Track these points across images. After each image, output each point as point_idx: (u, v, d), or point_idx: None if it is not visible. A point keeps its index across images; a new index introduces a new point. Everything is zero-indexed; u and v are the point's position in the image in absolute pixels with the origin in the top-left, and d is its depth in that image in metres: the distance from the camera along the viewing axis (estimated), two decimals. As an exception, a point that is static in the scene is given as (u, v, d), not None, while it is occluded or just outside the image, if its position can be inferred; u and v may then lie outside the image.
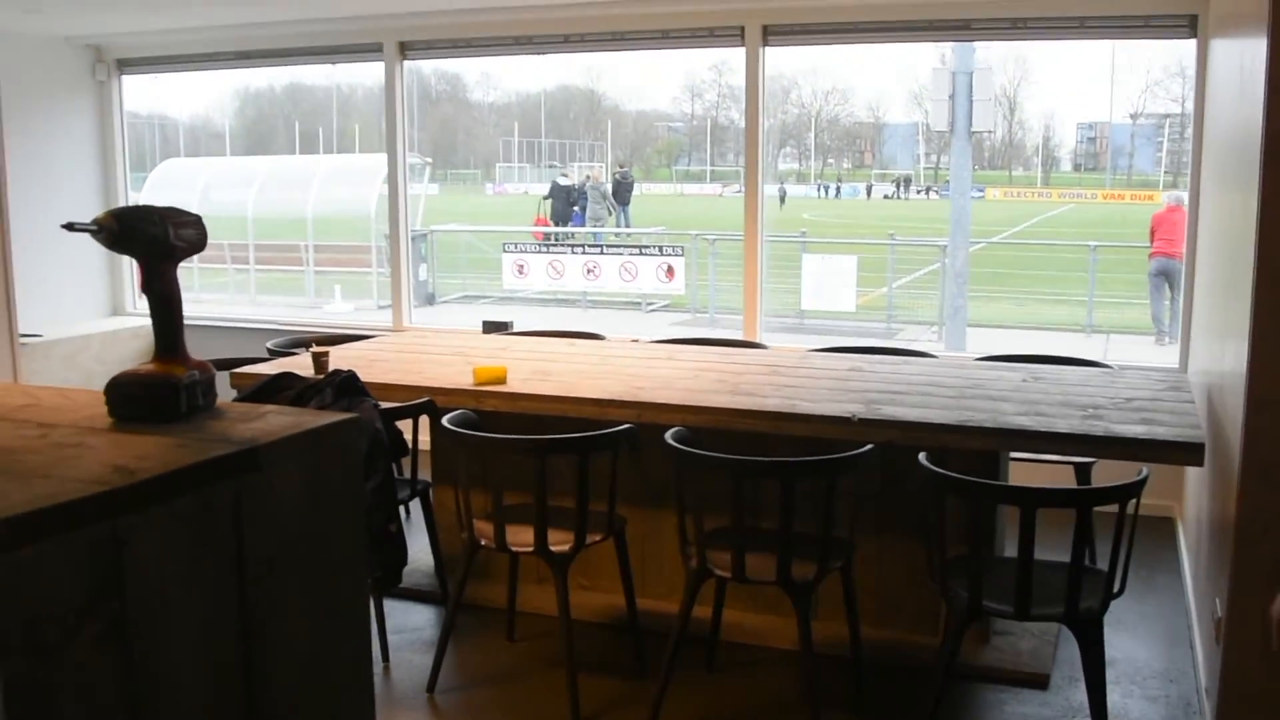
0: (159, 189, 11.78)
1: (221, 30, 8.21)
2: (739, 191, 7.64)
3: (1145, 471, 3.59)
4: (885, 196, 51.06)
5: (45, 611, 1.23)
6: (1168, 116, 52.73)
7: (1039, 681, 4.33)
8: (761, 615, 4.75)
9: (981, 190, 48.93)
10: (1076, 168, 62.11)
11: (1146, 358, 10.67)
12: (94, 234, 1.54)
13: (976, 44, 12.22)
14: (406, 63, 7.95)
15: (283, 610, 1.56)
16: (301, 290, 16.06)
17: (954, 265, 13.30)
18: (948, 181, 17.23)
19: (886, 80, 67.58)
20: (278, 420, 1.63)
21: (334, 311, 12.31)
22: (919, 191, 50.64)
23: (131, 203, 8.32)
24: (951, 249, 13.66)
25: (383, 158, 8.20)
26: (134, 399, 1.62)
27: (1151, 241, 13.20)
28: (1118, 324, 15.66)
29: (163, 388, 1.62)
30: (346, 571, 1.68)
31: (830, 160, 61.67)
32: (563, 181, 27.46)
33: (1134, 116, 57.68)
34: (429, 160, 24.77)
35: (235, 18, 7.85)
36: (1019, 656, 4.50)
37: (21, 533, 1.20)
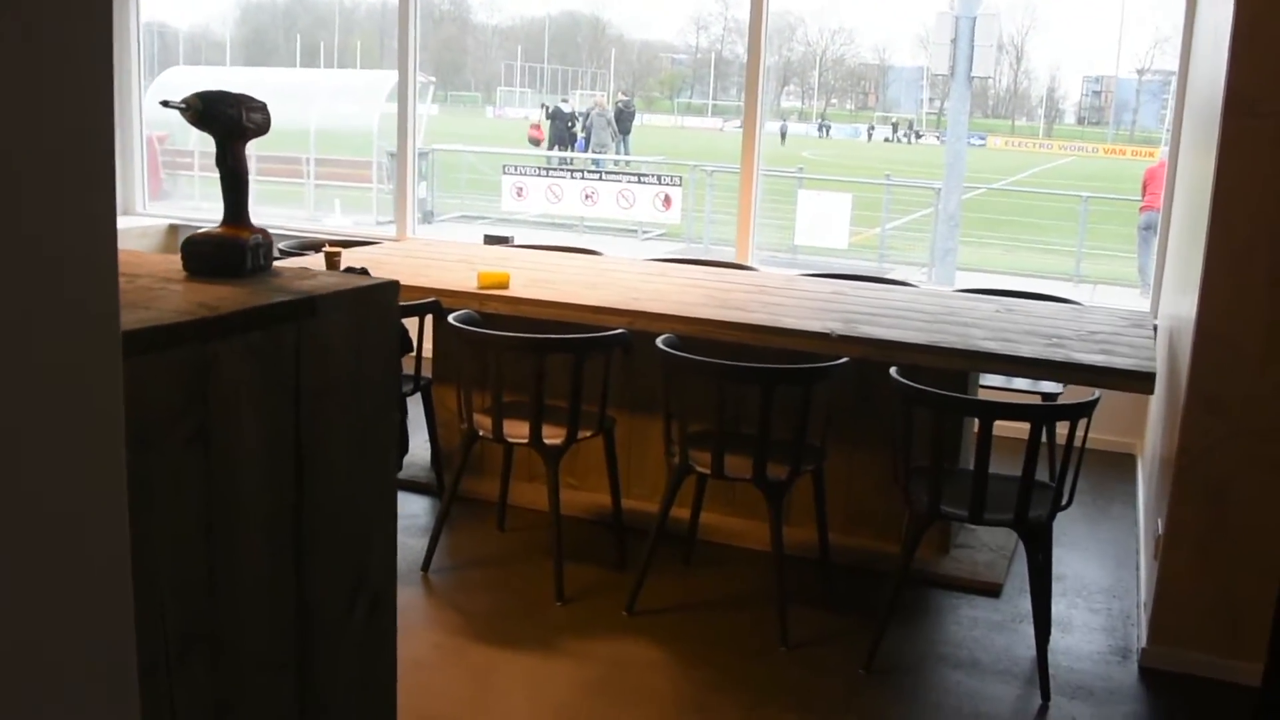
0: (162, 97, 11.94)
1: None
2: (739, 127, 7.86)
3: (1097, 394, 3.89)
4: (885, 139, 51.09)
5: (149, 413, 1.51)
6: (1173, 74, 52.68)
7: (992, 590, 4.66)
8: (738, 518, 5.06)
9: (983, 138, 48.99)
10: (1080, 120, 62.00)
11: (1129, 308, 10.93)
12: (182, 111, 1.81)
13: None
14: (421, -19, 8.16)
15: (327, 437, 1.84)
16: (301, 202, 16.25)
17: (946, 208, 13.56)
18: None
19: (893, 22, 67.29)
20: (329, 279, 1.91)
21: (333, 224, 12.53)
22: (919, 135, 50.64)
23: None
24: (945, 192, 13.92)
25: (385, 74, 8.44)
26: (206, 255, 1.89)
27: (1143, 196, 13.43)
28: (1106, 275, 15.92)
29: (232, 247, 1.89)
30: (381, 413, 1.97)
31: (834, 100, 61.55)
32: (565, 108, 27.63)
33: (1140, 72, 57.59)
34: (433, 80, 24.91)
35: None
36: (975, 567, 4.82)
37: (135, 345, 1.48)
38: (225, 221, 1.94)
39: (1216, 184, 3.85)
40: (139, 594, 1.15)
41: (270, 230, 1.98)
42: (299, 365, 1.76)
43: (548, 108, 29.47)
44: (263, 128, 1.94)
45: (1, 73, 0.90)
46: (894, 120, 54.04)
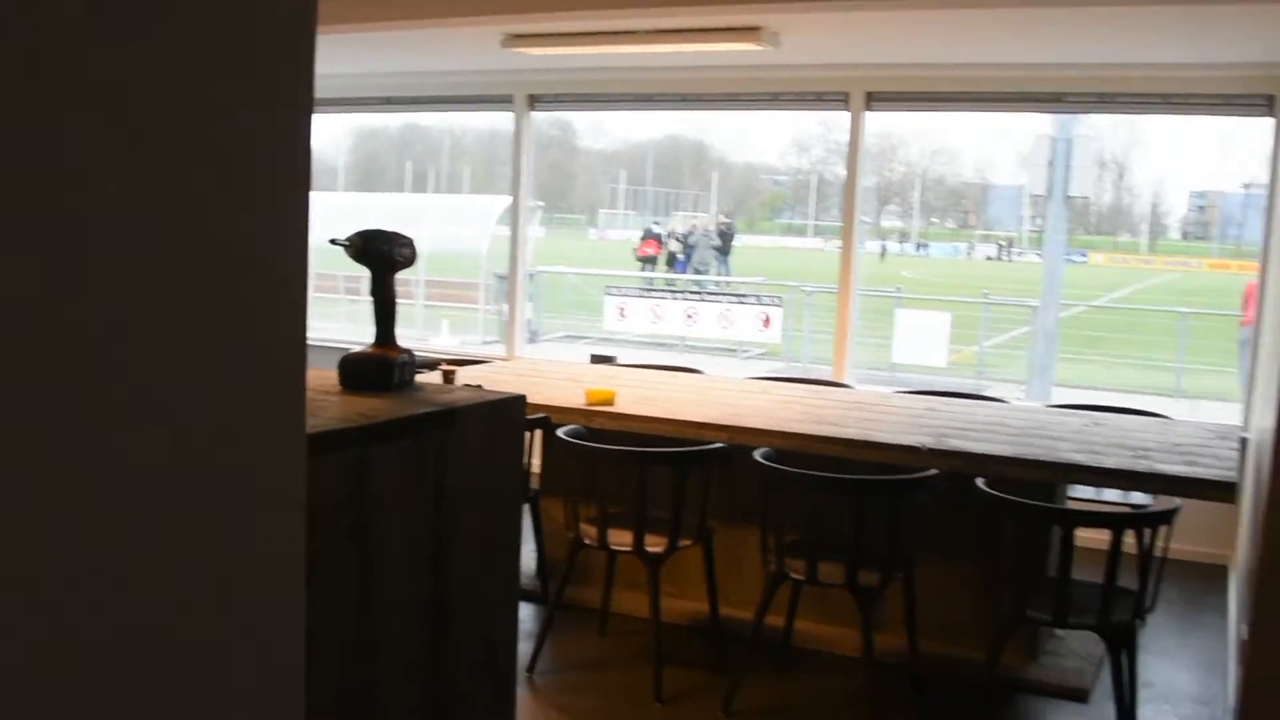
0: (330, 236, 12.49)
1: (363, 77, 8.92)
2: (839, 247, 8.13)
3: (1178, 504, 4.06)
4: (988, 257, 51.08)
5: (318, 504, 1.80)
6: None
7: (1080, 695, 4.78)
8: (831, 625, 5.24)
9: (1084, 254, 48.84)
10: (1185, 235, 61.45)
11: (1224, 422, 10.94)
12: (345, 249, 2.12)
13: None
14: (532, 113, 8.61)
15: (462, 530, 2.11)
16: (411, 322, 16.76)
17: (1043, 325, 13.67)
18: (1050, 245, 17.54)
19: (993, 142, 67.55)
20: (465, 393, 2.19)
21: (440, 344, 12.95)
22: (1019, 253, 50.58)
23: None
24: (1042, 309, 14.03)
25: (493, 198, 8.85)
26: (360, 372, 2.19)
27: (1244, 310, 13.44)
28: (1207, 390, 15.87)
29: (382, 364, 2.19)
30: (509, 510, 2.24)
31: (934, 219, 61.73)
32: (655, 229, 28.21)
33: (1247, 186, 57.09)
34: (540, 204, 25.60)
35: (386, 66, 8.54)
36: (1063, 674, 4.95)
37: (312, 447, 1.77)
38: (376, 342, 2.23)
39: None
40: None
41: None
42: (441, 469, 2.03)
43: (659, 232, 30.05)
44: (410, 260, 2.24)
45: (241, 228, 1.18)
46: (995, 238, 54.04)
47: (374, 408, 2.01)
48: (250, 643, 1.24)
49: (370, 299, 2.23)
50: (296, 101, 1.17)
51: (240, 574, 1.21)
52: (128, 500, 1.01)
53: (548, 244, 36.18)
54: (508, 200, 8.91)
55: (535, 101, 8.54)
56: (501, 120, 8.58)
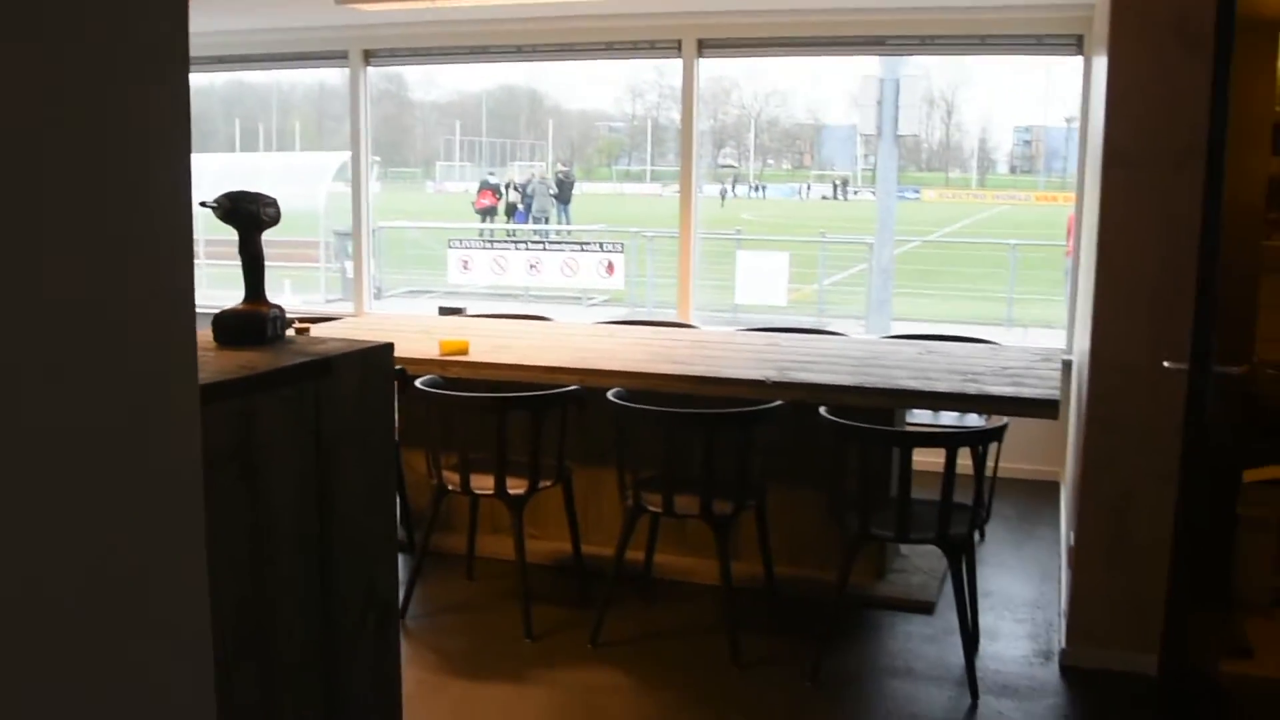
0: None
1: (191, 36, 8.79)
2: (677, 191, 8.30)
3: (1006, 421, 4.34)
4: (824, 197, 51.83)
5: (207, 455, 1.91)
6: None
7: (925, 608, 5.08)
8: (690, 557, 5.45)
9: (918, 191, 49.91)
10: (1013, 170, 62.92)
11: (1052, 347, 11.43)
12: (214, 210, 2.22)
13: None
14: (368, 69, 8.61)
15: (342, 474, 2.24)
16: (253, 284, 16.51)
17: (879, 262, 14.07)
18: (883, 183, 17.96)
19: (825, 83, 68.39)
20: (337, 343, 2.31)
21: (284, 304, 12.79)
22: (855, 192, 51.48)
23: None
24: (877, 247, 14.43)
25: (328, 155, 8.83)
26: (234, 328, 2.29)
27: (1068, 241, 13.99)
28: (1038, 319, 16.48)
29: (255, 319, 2.29)
30: (383, 452, 2.37)
31: (770, 160, 62.38)
32: (490, 180, 28.19)
33: (1069, 120, 58.59)
34: (377, 159, 25.37)
35: (214, 25, 8.45)
36: (909, 588, 5.24)
37: (202, 398, 1.87)
38: (247, 299, 2.33)
39: (1101, 227, 4.34)
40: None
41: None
42: (319, 414, 2.15)
43: (496, 183, 29.99)
44: (275, 219, 2.35)
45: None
46: (830, 178, 54.84)
47: (252, 360, 2.12)
48: (159, 578, 1.35)
49: (239, 258, 2.32)
50: (167, 69, 1.28)
51: (147, 515, 1.31)
52: (34, 458, 1.11)
53: (385, 199, 35.74)
54: (343, 156, 8.89)
55: (370, 57, 8.54)
56: (331, 75, 8.60)
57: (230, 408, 1.95)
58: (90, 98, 1.15)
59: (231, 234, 2.37)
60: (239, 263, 2.34)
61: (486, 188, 28.87)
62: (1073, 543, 4.58)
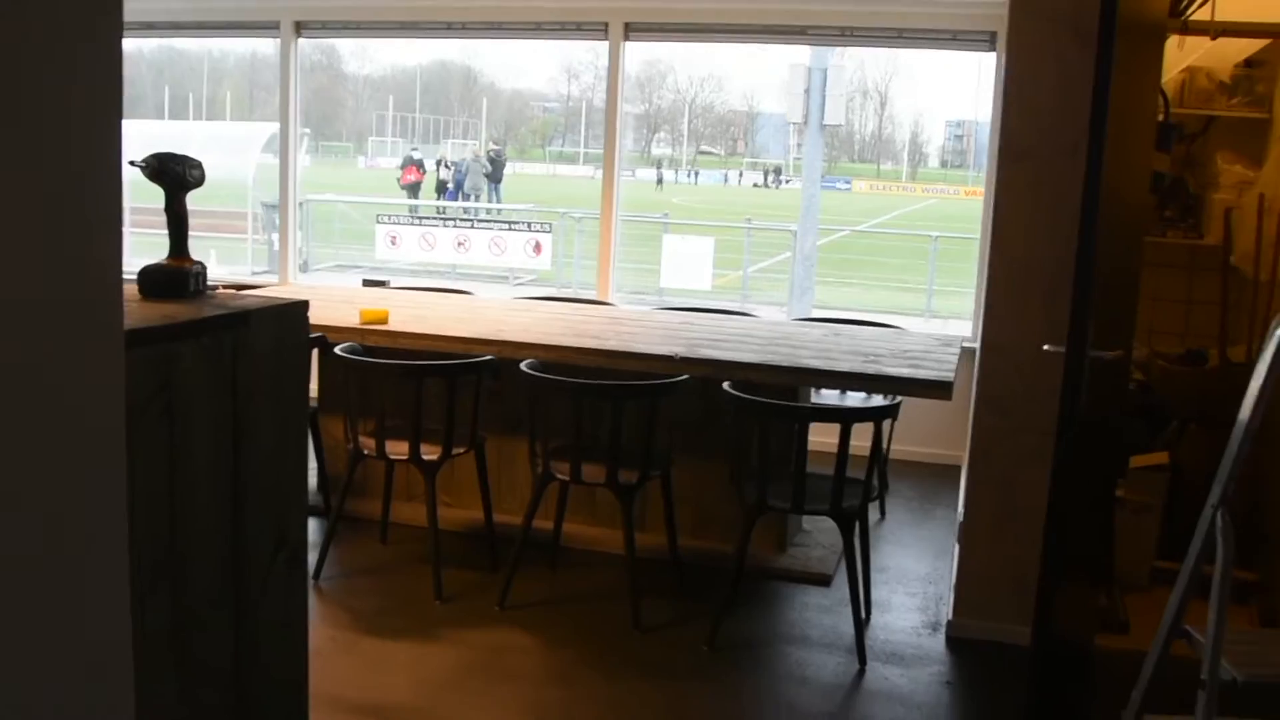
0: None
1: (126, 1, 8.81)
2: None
3: (899, 400, 4.56)
4: (755, 184, 52.14)
5: (131, 396, 2.05)
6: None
7: (823, 580, 5.29)
8: (598, 527, 5.63)
9: (849, 182, 50.41)
10: (944, 163, 63.59)
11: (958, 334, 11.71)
12: (142, 169, 2.35)
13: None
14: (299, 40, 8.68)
15: (257, 421, 2.38)
16: (179, 252, 16.45)
17: (802, 250, 14.31)
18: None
19: (759, 71, 68.74)
20: (255, 300, 2.45)
21: (210, 274, 12.83)
22: (786, 180, 51.81)
23: None
24: (801, 235, 14.68)
25: (258, 126, 8.87)
26: (158, 281, 2.43)
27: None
28: (956, 310, 16.82)
29: (178, 274, 2.43)
30: (296, 403, 2.51)
31: (705, 147, 62.62)
32: (414, 156, 28.18)
33: (1000, 116, 59.14)
34: (306, 131, 25.29)
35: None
36: (808, 561, 5.45)
37: (126, 343, 2.02)
38: (171, 255, 2.47)
39: (995, 218, 4.55)
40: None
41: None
42: (235, 364, 2.30)
43: (420, 158, 29.92)
44: (200, 181, 2.48)
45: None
46: (762, 166, 55.16)
47: (174, 311, 2.25)
48: (80, 508, 1.48)
49: (164, 215, 2.46)
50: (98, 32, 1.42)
51: (72, 449, 1.44)
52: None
53: (315, 172, 35.67)
54: (273, 127, 8.96)
55: (302, 28, 8.60)
56: (263, 44, 8.63)
57: (152, 353, 2.09)
58: (16, 53, 1.24)
59: (155, 202, 2.50)
60: (163, 230, 2.47)
61: (411, 163, 28.87)
62: (961, 518, 4.81)
